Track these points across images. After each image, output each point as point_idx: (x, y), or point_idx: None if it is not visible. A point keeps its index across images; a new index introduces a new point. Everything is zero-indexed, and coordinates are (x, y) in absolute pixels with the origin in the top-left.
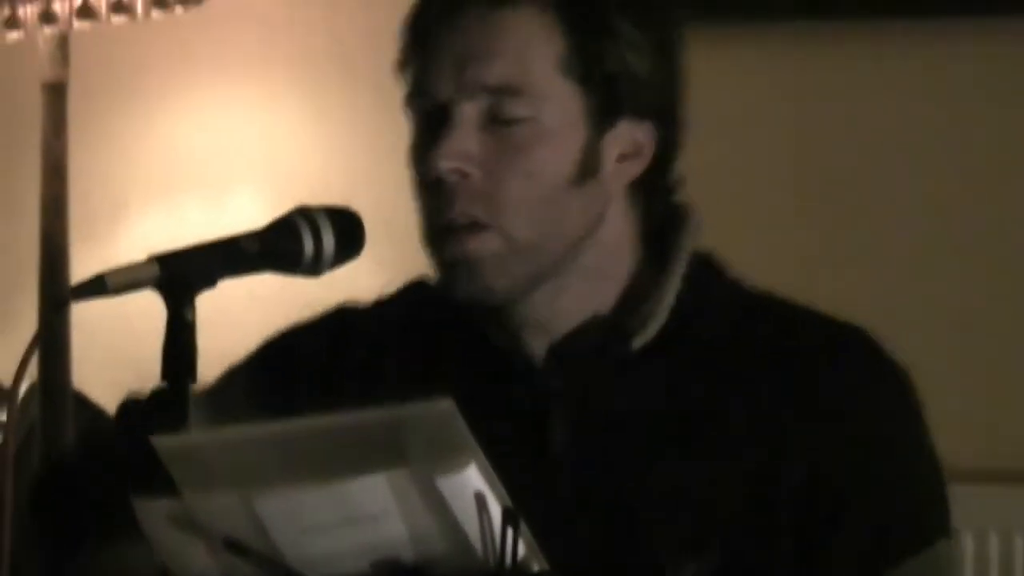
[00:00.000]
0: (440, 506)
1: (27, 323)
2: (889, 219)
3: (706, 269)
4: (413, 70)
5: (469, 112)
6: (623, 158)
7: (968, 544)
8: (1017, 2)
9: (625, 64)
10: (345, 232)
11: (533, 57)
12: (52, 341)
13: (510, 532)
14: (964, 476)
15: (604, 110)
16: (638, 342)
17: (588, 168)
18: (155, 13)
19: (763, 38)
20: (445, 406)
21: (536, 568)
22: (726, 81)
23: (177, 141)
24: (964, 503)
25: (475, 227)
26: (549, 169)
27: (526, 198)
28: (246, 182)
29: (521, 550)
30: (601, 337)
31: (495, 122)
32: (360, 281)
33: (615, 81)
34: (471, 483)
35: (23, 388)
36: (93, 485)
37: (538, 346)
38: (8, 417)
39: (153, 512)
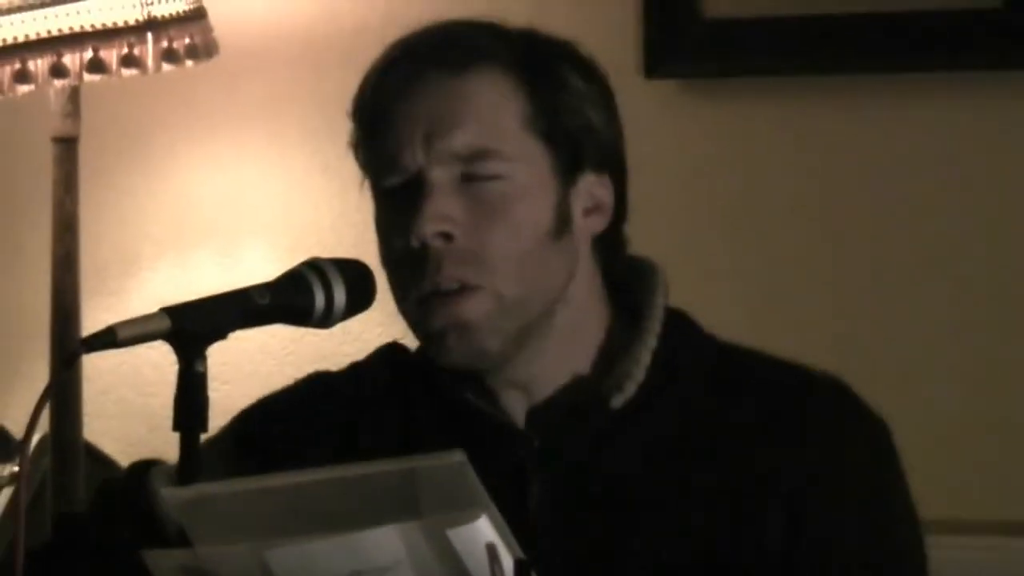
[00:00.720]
0: (451, 557)
1: (39, 376)
2: (894, 264)
3: (680, 326)
4: (376, 146)
5: (443, 177)
6: (587, 213)
7: None
8: (1016, 58)
9: (584, 118)
10: (356, 284)
11: (500, 119)
12: (63, 394)
13: None
14: (938, 527)
15: (569, 165)
16: (617, 402)
17: (562, 223)
18: (166, 67)
19: (771, 91)
20: (457, 458)
21: None
22: (736, 131)
23: (188, 194)
24: (936, 555)
25: (464, 290)
26: (529, 224)
27: (511, 254)
28: (257, 235)
29: None
30: (580, 399)
31: (470, 183)
32: (371, 333)
33: (576, 135)
34: (482, 534)
35: (35, 440)
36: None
37: (516, 409)
38: (20, 469)
39: (165, 564)
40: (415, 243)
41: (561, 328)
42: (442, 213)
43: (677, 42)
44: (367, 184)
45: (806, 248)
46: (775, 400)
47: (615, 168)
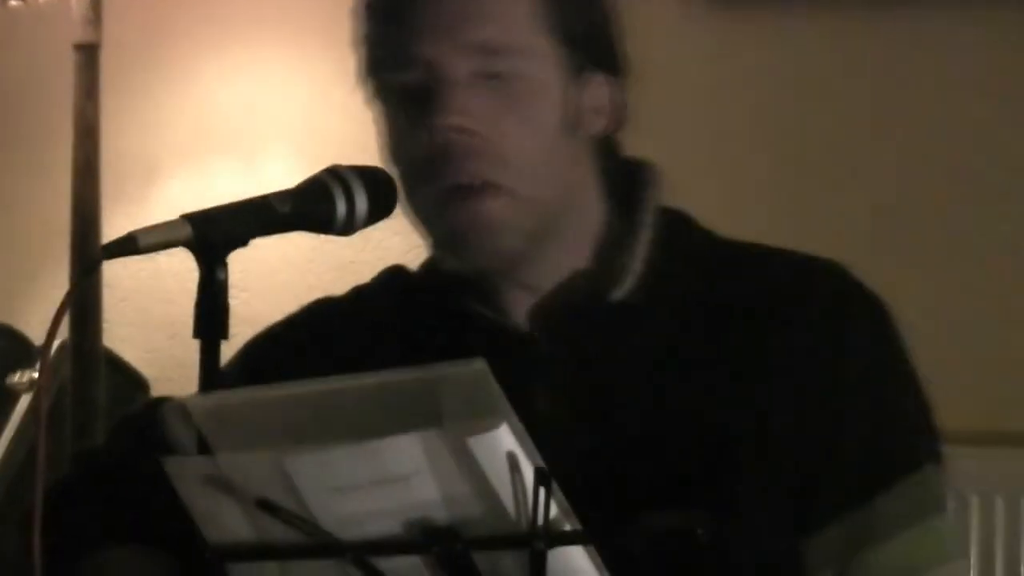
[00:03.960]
0: (472, 466)
1: (59, 283)
2: (919, 170)
3: (677, 221)
4: (389, 39)
5: (461, 72)
6: (591, 113)
7: (974, 508)
8: None
9: (591, 17)
10: (377, 192)
11: (514, 15)
12: (83, 301)
13: (542, 492)
14: (969, 439)
15: (577, 64)
16: (617, 295)
17: (572, 120)
18: None
19: (803, 6)
20: (478, 367)
21: (568, 528)
22: (767, 45)
23: (210, 102)
24: (970, 467)
25: (485, 187)
26: (545, 120)
27: (530, 150)
28: (279, 143)
29: (553, 510)
30: (580, 295)
31: (487, 79)
32: (391, 240)
33: (584, 34)
34: (503, 443)
35: (54, 347)
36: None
37: (519, 311)
38: (40, 375)
39: (186, 472)
40: (438, 138)
41: (567, 226)
42: (463, 107)
43: None
44: (367, 87)
45: (841, 157)
46: (774, 284)
47: (617, 69)
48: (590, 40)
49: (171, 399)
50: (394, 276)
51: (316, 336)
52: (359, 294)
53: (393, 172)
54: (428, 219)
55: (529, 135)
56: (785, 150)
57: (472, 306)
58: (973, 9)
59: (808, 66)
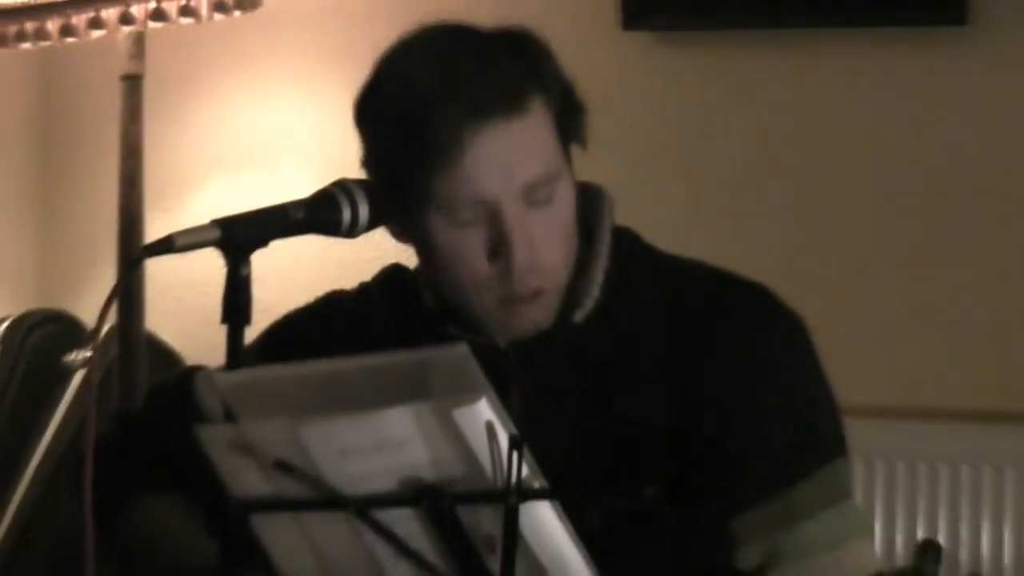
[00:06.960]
0: (456, 434)
1: (108, 277)
2: (855, 202)
3: (627, 242)
4: (443, 181)
5: (518, 207)
6: None
7: (879, 472)
8: (943, 14)
9: (580, 112)
10: (377, 203)
11: (550, 142)
12: (129, 292)
13: (515, 456)
14: (865, 410)
15: (570, 151)
16: (578, 316)
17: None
18: (217, 16)
19: (745, 43)
20: (461, 349)
21: (537, 485)
22: (711, 82)
23: (236, 125)
24: (876, 436)
25: (535, 294)
26: (571, 221)
27: (566, 252)
28: (296, 159)
29: (524, 471)
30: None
31: (532, 205)
32: (389, 243)
33: (576, 127)
34: (482, 414)
35: (104, 330)
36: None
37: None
38: (92, 355)
39: (214, 438)
40: (505, 267)
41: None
42: (529, 241)
43: None
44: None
45: (777, 193)
46: (704, 304)
47: (584, 139)
48: (579, 129)
49: (202, 369)
50: (394, 278)
51: (325, 325)
52: (364, 289)
53: (449, 276)
54: (486, 319)
55: (565, 239)
56: (721, 180)
57: (455, 331)
58: (906, 46)
59: (754, 101)
